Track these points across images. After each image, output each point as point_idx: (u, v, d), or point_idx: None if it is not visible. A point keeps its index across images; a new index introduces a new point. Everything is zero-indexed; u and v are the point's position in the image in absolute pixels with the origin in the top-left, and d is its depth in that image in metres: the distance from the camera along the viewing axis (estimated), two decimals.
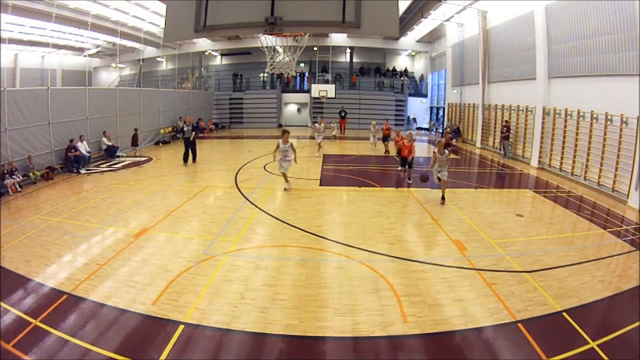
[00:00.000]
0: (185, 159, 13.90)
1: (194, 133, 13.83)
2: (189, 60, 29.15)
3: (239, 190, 10.29)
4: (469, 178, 12.60)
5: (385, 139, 16.75)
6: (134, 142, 16.84)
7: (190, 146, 13.90)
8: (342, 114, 24.43)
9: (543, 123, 14.26)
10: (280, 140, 9.86)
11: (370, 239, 7.05)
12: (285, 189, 10.18)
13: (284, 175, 10.25)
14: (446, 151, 9.21)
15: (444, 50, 24.45)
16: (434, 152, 9.20)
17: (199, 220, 7.97)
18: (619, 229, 8.12)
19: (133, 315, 4.59)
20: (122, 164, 14.14)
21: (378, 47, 28.75)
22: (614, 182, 10.64)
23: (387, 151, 16.43)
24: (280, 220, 7.96)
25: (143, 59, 27.24)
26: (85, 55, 28.27)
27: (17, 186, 10.22)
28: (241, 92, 28.38)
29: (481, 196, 10.43)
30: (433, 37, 26.18)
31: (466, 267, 5.99)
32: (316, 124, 16.91)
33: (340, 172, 12.90)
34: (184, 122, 14.14)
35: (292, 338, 4.26)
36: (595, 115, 11.54)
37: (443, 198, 9.32)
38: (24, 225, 7.56)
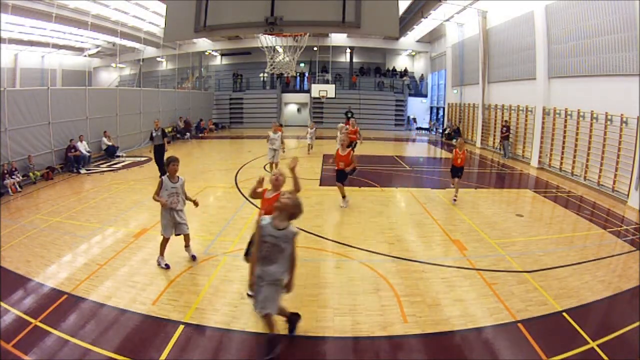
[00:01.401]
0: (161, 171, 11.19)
1: (166, 140, 11.52)
2: (189, 60, 29.15)
3: (239, 190, 10.29)
4: (469, 178, 12.60)
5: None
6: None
7: (160, 156, 11.28)
8: (349, 115, 24.26)
9: (543, 123, 14.27)
10: (165, 176, 5.70)
11: (370, 239, 7.04)
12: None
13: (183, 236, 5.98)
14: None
15: (444, 50, 24.46)
16: None
17: (199, 220, 7.96)
18: (619, 229, 8.13)
19: (133, 315, 4.59)
20: (122, 164, 14.14)
21: (378, 47, 28.76)
22: (614, 182, 10.65)
23: (354, 168, 10.53)
24: None
25: (143, 59, 27.24)
26: (85, 55, 28.27)
27: (17, 186, 10.22)
28: (241, 92, 28.40)
29: (481, 196, 10.43)
30: (433, 37, 26.19)
31: (466, 267, 5.99)
32: (270, 132, 11.29)
33: None
34: (154, 127, 11.61)
35: (292, 338, 4.25)
36: (595, 115, 11.54)
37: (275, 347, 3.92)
38: (24, 225, 7.56)
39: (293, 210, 3.75)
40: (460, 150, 9.67)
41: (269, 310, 3.72)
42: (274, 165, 11.18)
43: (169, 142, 12.08)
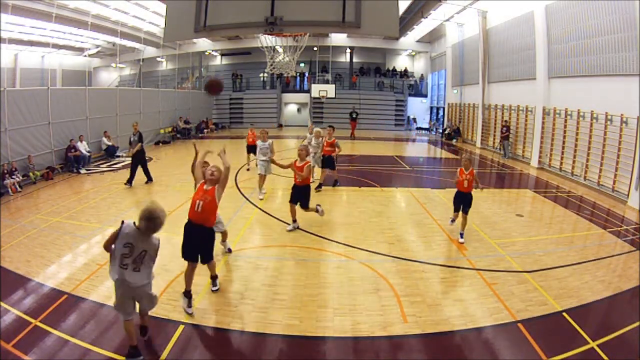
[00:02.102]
0: (132, 179, 10.64)
1: (140, 144, 10.56)
2: (189, 60, 29.13)
3: (239, 190, 10.28)
4: None
5: (329, 162, 10.44)
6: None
7: (141, 162, 10.75)
8: (353, 115, 24.17)
9: (543, 123, 14.27)
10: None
11: (370, 239, 7.04)
12: None
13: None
14: None
15: (444, 50, 24.46)
16: None
17: None
18: (619, 229, 8.13)
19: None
20: (122, 164, 14.13)
21: (378, 47, 28.74)
22: (614, 182, 10.65)
23: (335, 180, 10.86)
24: (281, 220, 7.96)
25: (143, 59, 27.24)
26: (85, 55, 28.26)
27: (17, 186, 10.21)
28: (241, 92, 28.39)
29: (481, 196, 10.40)
30: (433, 37, 26.19)
31: (466, 267, 5.99)
32: (259, 140, 9.47)
33: (340, 172, 12.88)
34: (132, 131, 10.81)
35: (292, 338, 4.26)
36: (595, 115, 11.55)
37: None
38: (24, 225, 7.55)
39: (145, 215, 3.52)
40: (466, 170, 6.81)
41: (121, 315, 3.85)
42: (264, 178, 9.49)
43: (145, 144, 10.91)
